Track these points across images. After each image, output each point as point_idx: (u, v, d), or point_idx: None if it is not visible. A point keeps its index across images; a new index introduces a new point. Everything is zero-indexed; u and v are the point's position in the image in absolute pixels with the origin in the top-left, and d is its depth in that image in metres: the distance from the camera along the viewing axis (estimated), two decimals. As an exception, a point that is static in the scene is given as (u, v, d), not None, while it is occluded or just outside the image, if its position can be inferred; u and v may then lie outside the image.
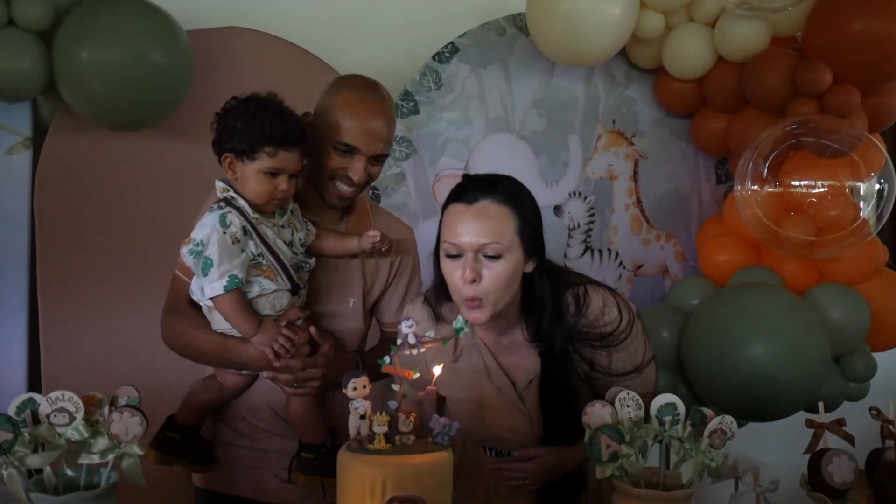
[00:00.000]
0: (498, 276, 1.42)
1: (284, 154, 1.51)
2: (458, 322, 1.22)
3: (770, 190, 2.37)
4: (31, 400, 1.34)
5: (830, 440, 1.59)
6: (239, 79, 2.51)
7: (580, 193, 2.78)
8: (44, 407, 1.33)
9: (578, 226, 2.78)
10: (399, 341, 1.22)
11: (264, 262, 1.53)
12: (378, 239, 1.63)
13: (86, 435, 1.32)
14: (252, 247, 1.51)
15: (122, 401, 1.43)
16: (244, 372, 1.66)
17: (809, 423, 1.64)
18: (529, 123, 2.73)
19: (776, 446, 2.40)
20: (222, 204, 1.52)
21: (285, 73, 2.56)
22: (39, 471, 1.33)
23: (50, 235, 2.40)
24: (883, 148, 2.37)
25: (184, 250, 1.52)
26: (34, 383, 2.39)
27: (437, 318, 1.58)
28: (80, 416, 1.32)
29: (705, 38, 2.54)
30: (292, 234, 1.60)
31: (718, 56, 2.55)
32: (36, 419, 1.34)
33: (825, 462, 1.49)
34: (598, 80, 2.78)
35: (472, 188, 1.46)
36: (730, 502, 1.50)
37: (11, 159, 2.40)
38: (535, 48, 2.61)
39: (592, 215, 2.80)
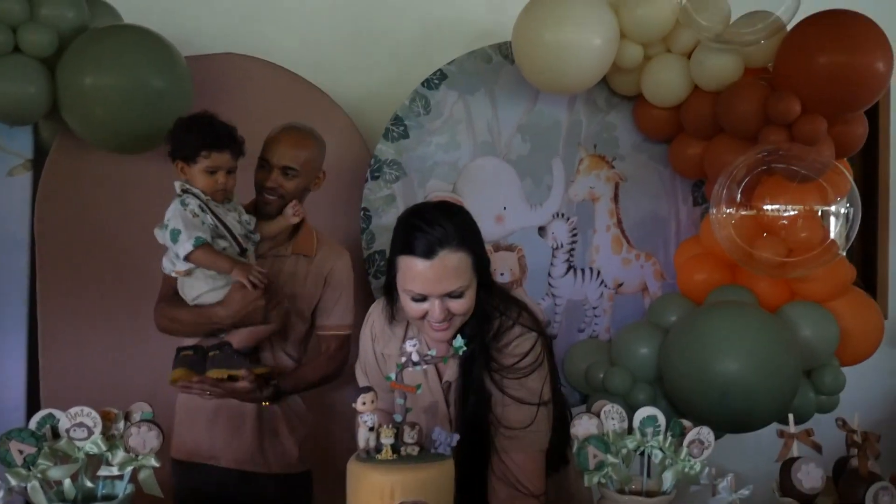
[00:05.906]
0: (463, 305, 1.55)
1: (217, 155, 1.90)
2: (458, 342, 1.31)
3: (744, 213, 2.44)
4: (50, 415, 1.42)
5: (800, 449, 1.69)
6: (235, 103, 2.58)
7: (563, 215, 2.87)
8: (63, 422, 1.40)
9: (562, 246, 2.87)
10: (403, 359, 1.30)
11: (219, 230, 1.91)
12: (295, 204, 2.07)
13: (103, 448, 1.40)
14: (209, 219, 1.88)
15: (136, 416, 1.51)
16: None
17: (780, 434, 1.74)
18: (515, 147, 2.81)
19: (750, 455, 2.49)
20: (181, 192, 1.91)
21: (280, 98, 2.64)
22: (57, 483, 1.40)
23: (50, 256, 2.45)
24: (849, 174, 2.46)
25: (156, 230, 1.89)
26: (33, 401, 2.43)
27: (392, 317, 1.70)
28: (98, 430, 1.39)
29: (682, 68, 2.63)
30: (239, 217, 2.00)
31: (694, 85, 2.64)
32: (55, 434, 1.41)
33: (795, 469, 1.59)
34: (581, 106, 2.86)
35: (423, 240, 1.49)
36: (707, 508, 1.60)
37: (12, 181, 2.46)
38: (520, 76, 2.67)
39: (575, 236, 2.88)
